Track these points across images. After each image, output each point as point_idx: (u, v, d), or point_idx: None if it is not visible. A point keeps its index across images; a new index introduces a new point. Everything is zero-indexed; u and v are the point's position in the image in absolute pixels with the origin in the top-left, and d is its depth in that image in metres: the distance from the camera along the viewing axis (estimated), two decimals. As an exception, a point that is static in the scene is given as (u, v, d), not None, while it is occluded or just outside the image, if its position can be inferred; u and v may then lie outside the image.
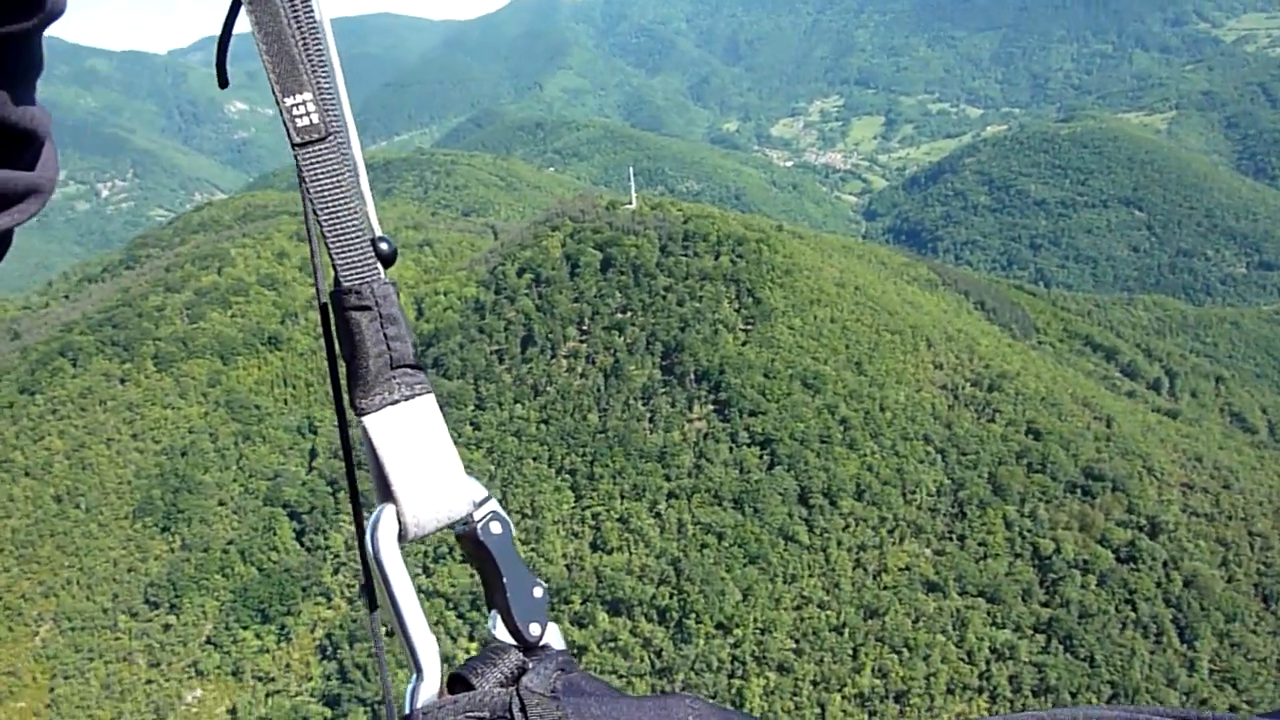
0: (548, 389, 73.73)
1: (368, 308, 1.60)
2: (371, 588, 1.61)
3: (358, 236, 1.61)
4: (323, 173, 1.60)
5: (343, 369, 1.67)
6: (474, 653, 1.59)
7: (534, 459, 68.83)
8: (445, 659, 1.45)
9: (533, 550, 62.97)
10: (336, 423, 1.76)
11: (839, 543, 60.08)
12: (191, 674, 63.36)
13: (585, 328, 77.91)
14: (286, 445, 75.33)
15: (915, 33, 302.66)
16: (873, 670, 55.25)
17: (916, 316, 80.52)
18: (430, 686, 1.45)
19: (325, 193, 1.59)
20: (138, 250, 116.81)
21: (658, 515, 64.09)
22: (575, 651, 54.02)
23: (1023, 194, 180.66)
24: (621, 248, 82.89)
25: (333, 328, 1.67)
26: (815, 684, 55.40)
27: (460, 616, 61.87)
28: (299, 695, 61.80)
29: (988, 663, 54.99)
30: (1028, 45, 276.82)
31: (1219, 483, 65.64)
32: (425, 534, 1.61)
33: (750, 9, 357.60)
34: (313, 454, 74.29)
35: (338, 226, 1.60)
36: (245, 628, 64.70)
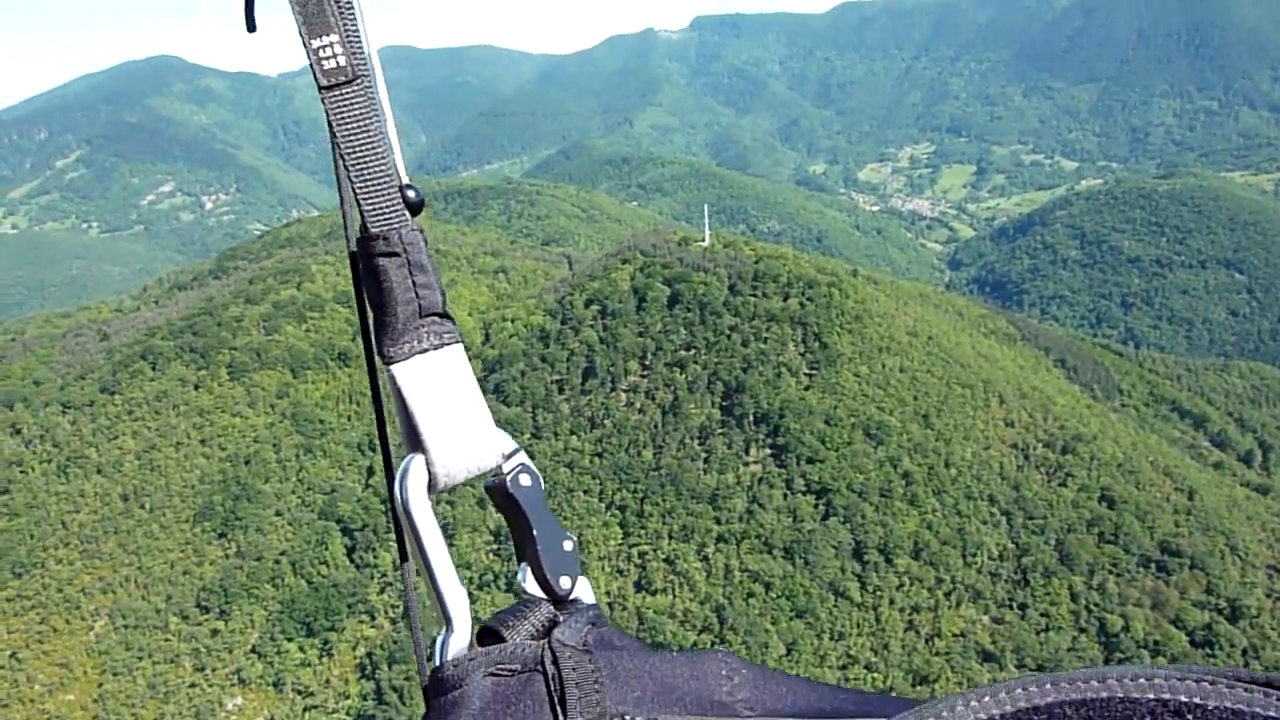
0: (604, 422, 73.16)
1: (395, 254, 1.57)
2: (402, 539, 1.60)
3: (386, 182, 1.58)
4: (350, 116, 1.56)
5: (371, 318, 1.66)
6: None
7: (585, 492, 68.15)
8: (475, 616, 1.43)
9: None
10: (366, 371, 1.73)
11: (892, 602, 57.75)
12: (234, 681, 63.95)
13: (647, 362, 77.27)
14: (346, 461, 76.18)
15: (1011, 82, 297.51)
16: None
17: (990, 371, 77.83)
18: (460, 639, 1.43)
19: (352, 137, 1.56)
20: (227, 261, 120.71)
21: (705, 559, 62.63)
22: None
23: (1115, 250, 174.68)
24: (690, 284, 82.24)
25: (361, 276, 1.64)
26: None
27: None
28: (335, 712, 61.83)
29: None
30: (1128, 99, 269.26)
31: (1310, 568, 61.40)
32: (455, 484, 1.60)
33: (844, 53, 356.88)
34: (370, 471, 74.90)
35: (365, 171, 1.57)
36: (290, 639, 65.14)
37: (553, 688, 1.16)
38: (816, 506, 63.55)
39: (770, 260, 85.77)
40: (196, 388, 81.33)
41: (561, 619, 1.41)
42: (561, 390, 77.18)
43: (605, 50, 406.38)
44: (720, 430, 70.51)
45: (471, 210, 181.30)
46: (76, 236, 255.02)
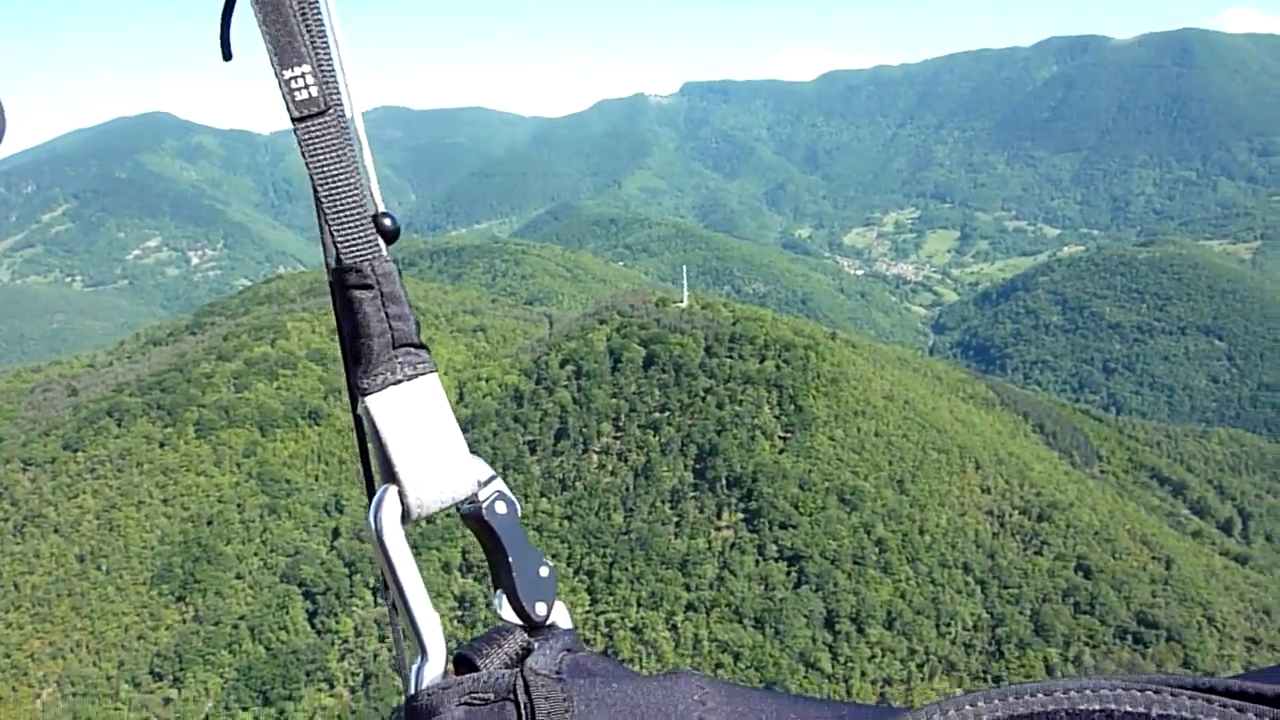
0: (575, 484, 72.00)
1: (369, 286, 1.56)
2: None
3: (359, 213, 1.57)
4: (322, 147, 1.54)
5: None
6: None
7: (553, 556, 66.59)
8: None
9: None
10: (349, 400, 1.71)
11: (863, 674, 56.19)
12: (185, 753, 61.60)
13: (621, 424, 76.40)
14: (311, 522, 74.60)
15: (995, 150, 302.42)
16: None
17: (967, 436, 77.17)
18: (435, 667, 1.41)
19: (325, 167, 1.54)
20: (204, 317, 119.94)
21: (674, 628, 61.01)
22: None
23: (1097, 316, 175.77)
24: (666, 345, 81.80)
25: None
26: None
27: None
28: (289, 786, 59.50)
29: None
30: (1109, 168, 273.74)
31: (1290, 641, 60.18)
32: (429, 514, 1.59)
33: (830, 120, 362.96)
34: (335, 533, 73.36)
35: (338, 202, 1.55)
36: (245, 709, 62.91)
37: (523, 716, 1.16)
38: (789, 574, 62.23)
39: (747, 322, 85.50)
40: (162, 445, 79.96)
41: (535, 646, 1.39)
42: (534, 451, 76.12)
43: (596, 114, 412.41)
44: (692, 494, 69.41)
45: (456, 269, 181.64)
46: (60, 290, 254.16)
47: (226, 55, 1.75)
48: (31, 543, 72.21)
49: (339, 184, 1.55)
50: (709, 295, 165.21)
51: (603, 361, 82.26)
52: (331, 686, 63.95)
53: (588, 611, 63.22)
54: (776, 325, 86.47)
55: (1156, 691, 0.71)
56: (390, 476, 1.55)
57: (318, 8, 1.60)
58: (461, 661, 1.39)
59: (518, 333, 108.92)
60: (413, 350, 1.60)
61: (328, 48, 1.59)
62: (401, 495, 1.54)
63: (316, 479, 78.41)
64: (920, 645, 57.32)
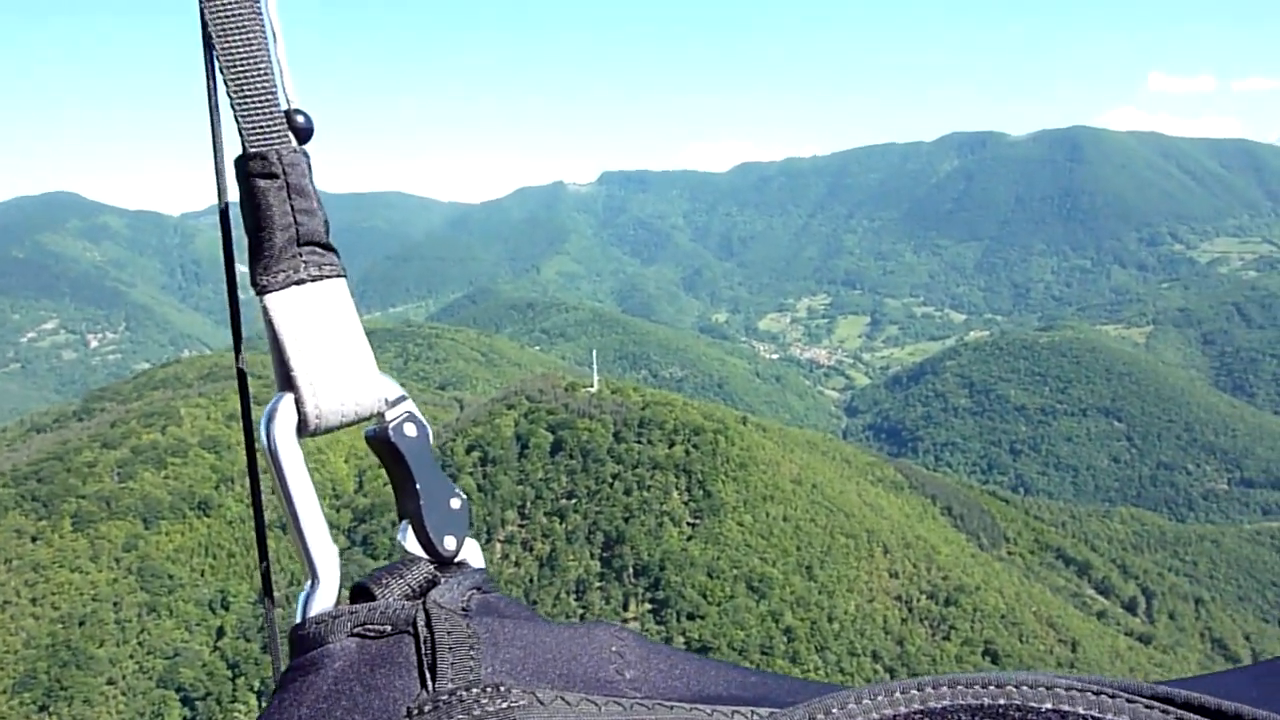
0: (477, 576, 69.26)
1: (274, 175, 1.40)
2: (258, 489, 1.50)
3: (268, 99, 1.41)
4: (231, 27, 1.40)
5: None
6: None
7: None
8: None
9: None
10: (228, 302, 1.59)
11: (772, 770, 54.28)
12: None
13: (526, 512, 74.31)
14: (194, 621, 70.03)
15: (902, 239, 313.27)
16: None
17: (875, 520, 77.09)
18: (326, 595, 1.27)
19: (233, 50, 1.39)
20: (93, 403, 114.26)
21: (577, 725, 58.28)
22: None
23: (1003, 399, 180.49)
24: (574, 430, 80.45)
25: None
26: None
27: None
28: None
29: None
30: (1009, 256, 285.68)
31: (1193, 722, 60.39)
32: (328, 428, 1.41)
33: (744, 209, 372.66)
34: (220, 633, 68.91)
35: (245, 87, 1.40)
36: (110, 831, 57.63)
37: (423, 651, 1.04)
38: (696, 666, 60.28)
39: (656, 407, 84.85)
40: (34, 540, 74.67)
41: (442, 580, 1.27)
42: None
43: (515, 200, 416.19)
44: (599, 584, 67.37)
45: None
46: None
47: None
48: (-123, 651, 66.01)
49: (246, 67, 1.40)
50: (626, 379, 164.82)
51: (509, 447, 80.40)
52: (207, 802, 59.17)
53: (487, 712, 60.13)
54: (686, 410, 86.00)
55: (1112, 696, 0.67)
56: (287, 384, 1.38)
57: None
58: (359, 592, 1.25)
59: (426, 417, 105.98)
60: (319, 250, 1.45)
61: None
62: (299, 404, 1.37)
63: (202, 574, 73.98)
64: (830, 738, 55.73)
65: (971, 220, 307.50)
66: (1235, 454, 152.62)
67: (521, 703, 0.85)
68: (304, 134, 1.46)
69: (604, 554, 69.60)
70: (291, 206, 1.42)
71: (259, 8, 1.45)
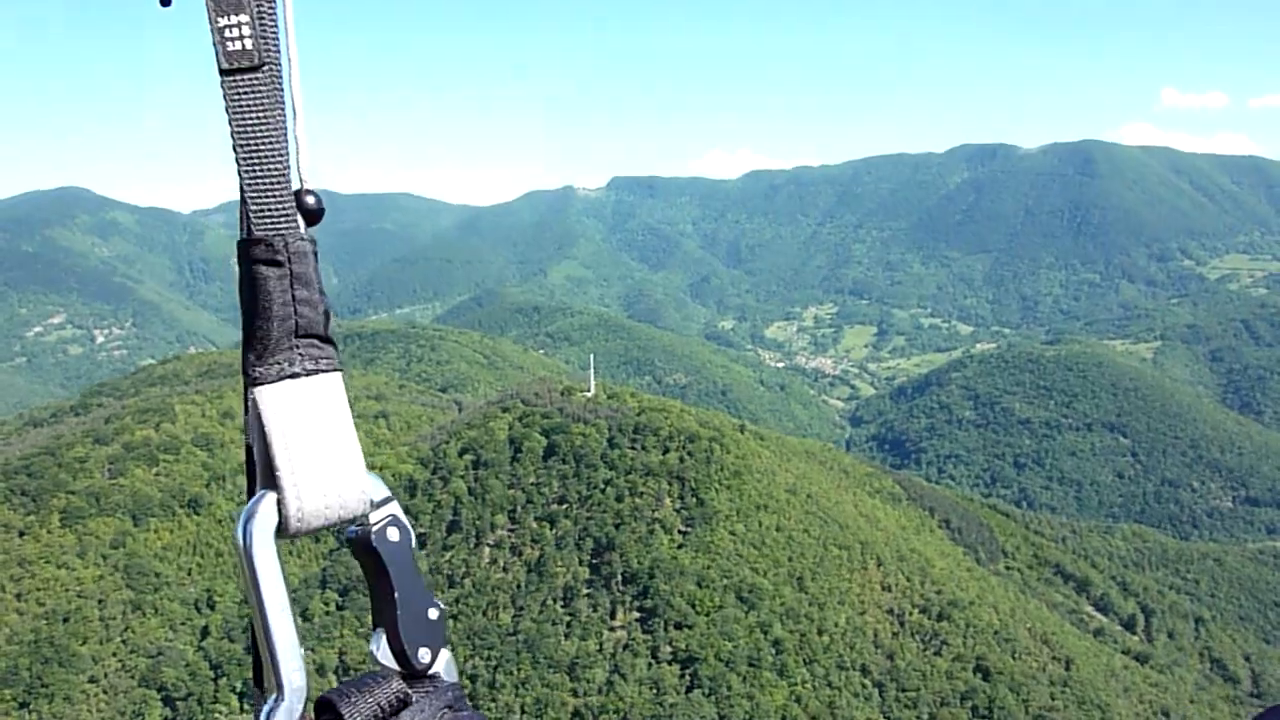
0: (464, 581, 68.55)
1: (278, 263, 1.43)
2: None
3: (279, 182, 1.44)
4: (248, 105, 1.43)
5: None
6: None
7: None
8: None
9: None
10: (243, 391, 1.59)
11: (755, 785, 53.34)
12: None
13: (516, 516, 73.58)
14: (179, 619, 69.46)
15: (910, 250, 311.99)
16: None
17: (870, 531, 76.13)
18: (290, 711, 1.28)
19: (248, 129, 1.42)
20: (91, 398, 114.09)
21: (559, 735, 57.46)
22: None
23: (1008, 411, 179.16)
24: (568, 435, 79.74)
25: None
26: None
27: None
28: None
29: None
30: (1018, 269, 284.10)
31: (1188, 745, 59.27)
32: (309, 530, 1.43)
33: (753, 217, 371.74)
34: (204, 632, 68.33)
35: (256, 168, 1.42)
36: (86, 830, 57.00)
37: None
38: (682, 676, 59.45)
39: (652, 413, 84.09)
40: (22, 535, 74.21)
41: (415, 699, 1.28)
42: (423, 545, 72.56)
43: (524, 204, 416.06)
44: (586, 591, 66.56)
45: (370, 353, 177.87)
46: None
47: (165, 1, 1.65)
48: None
49: (261, 148, 1.42)
50: (629, 385, 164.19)
51: (503, 451, 79.73)
52: (185, 804, 58.50)
53: (468, 718, 59.30)
54: (682, 416, 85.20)
55: None
56: (270, 482, 1.39)
57: None
58: (324, 707, 1.25)
59: (423, 419, 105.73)
60: (316, 343, 1.46)
61: (272, 3, 1.48)
62: (281, 504, 1.38)
63: (190, 573, 73.46)
64: (815, 753, 54.83)
65: (981, 232, 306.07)
66: (1241, 472, 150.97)
67: None
68: (313, 215, 1.47)
69: (593, 560, 68.81)
70: (293, 296, 1.42)
71: (280, 84, 1.45)
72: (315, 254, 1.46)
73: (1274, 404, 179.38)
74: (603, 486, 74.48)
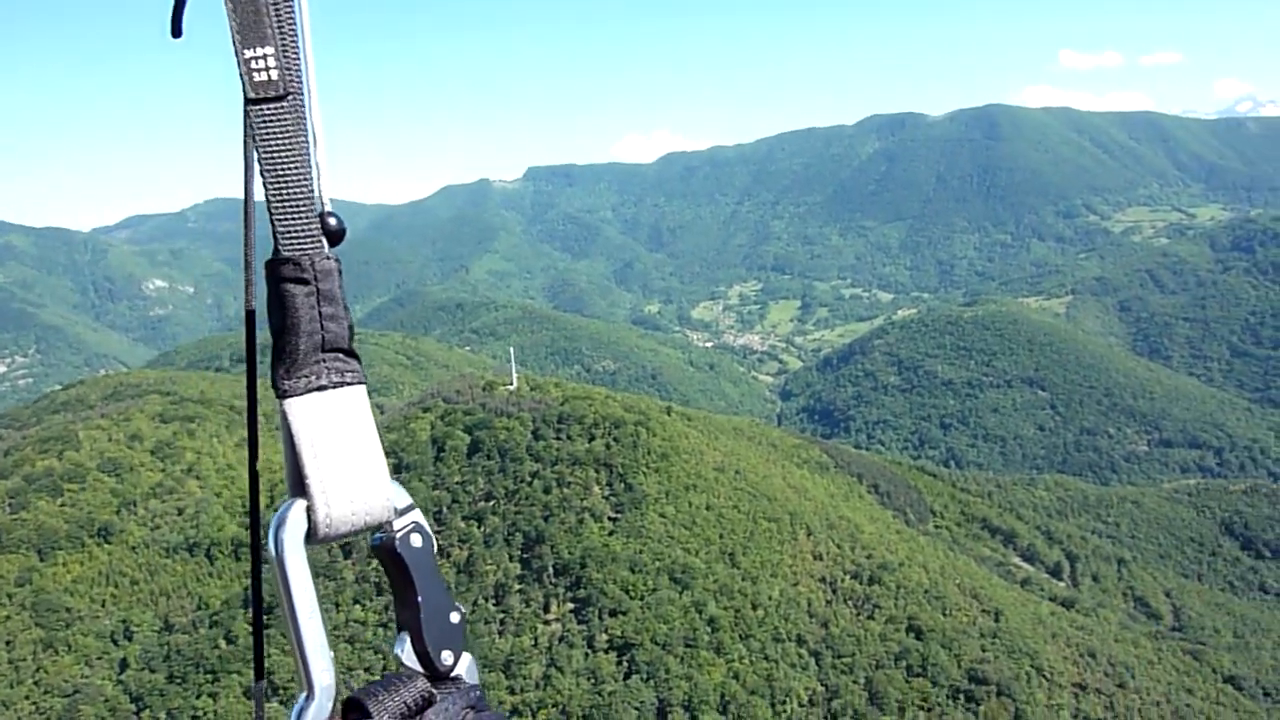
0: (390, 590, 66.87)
1: (306, 281, 1.50)
2: (258, 591, 1.55)
3: (305, 205, 1.52)
4: (275, 133, 1.51)
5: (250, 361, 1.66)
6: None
7: (365, 669, 61.24)
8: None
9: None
10: (246, 405, 1.67)
11: (698, 765, 53.19)
12: None
13: (443, 518, 72.11)
14: (95, 654, 66.56)
15: (828, 223, 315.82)
16: None
17: (799, 502, 76.55)
18: (321, 710, 1.35)
19: (275, 155, 1.51)
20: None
21: (499, 734, 56.50)
22: None
23: (930, 374, 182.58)
24: (492, 430, 78.48)
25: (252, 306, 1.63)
26: None
27: None
28: None
29: None
30: (933, 235, 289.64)
31: (1114, 681, 60.94)
32: (337, 536, 1.51)
33: (672, 199, 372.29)
34: (124, 664, 65.60)
35: (284, 192, 1.50)
36: None
37: None
38: (619, 663, 58.98)
39: (576, 401, 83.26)
40: (-82, 580, 70.38)
41: (438, 698, 1.36)
42: (347, 555, 70.71)
43: (440, 199, 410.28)
44: (519, 587, 65.61)
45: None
46: None
47: (176, 32, 1.69)
48: None
49: (288, 173, 1.50)
50: (559, 375, 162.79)
51: (425, 452, 78.12)
52: (112, 844, 56.15)
53: (404, 727, 58.03)
54: (606, 403, 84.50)
55: None
56: (299, 490, 1.45)
57: None
58: (352, 706, 1.33)
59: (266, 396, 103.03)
60: (343, 357, 1.53)
61: (294, 34, 1.55)
62: (310, 511, 1.44)
63: (103, 604, 70.44)
64: (755, 728, 54.85)
65: (895, 201, 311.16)
66: (1154, 416, 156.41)
67: None
68: (336, 236, 1.57)
69: (523, 555, 67.86)
70: (320, 313, 1.50)
71: (304, 112, 1.53)
72: (340, 272, 1.54)
73: (1180, 349, 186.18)
74: (529, 479, 73.51)
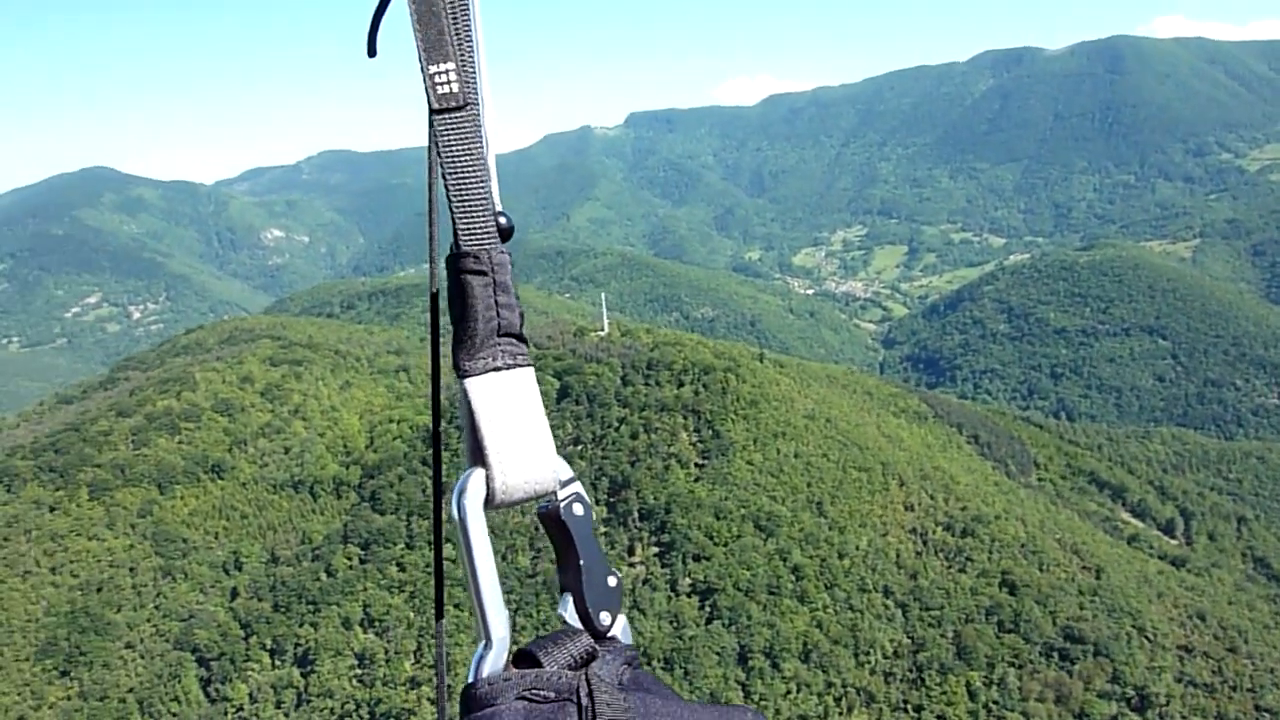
0: (483, 527, 68.51)
1: (483, 272, 1.65)
2: (440, 552, 1.71)
3: (483, 205, 1.67)
4: (456, 140, 1.66)
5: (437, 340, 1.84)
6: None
7: (455, 606, 63.00)
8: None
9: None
10: (430, 384, 1.90)
11: (777, 712, 53.05)
12: (66, 843, 57.06)
13: (532, 460, 73.22)
14: (208, 582, 70.54)
15: (938, 164, 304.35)
16: None
17: (892, 452, 74.80)
18: (498, 659, 1.47)
19: (456, 159, 1.66)
20: (118, 373, 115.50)
21: (582, 673, 57.58)
22: None
23: (1042, 322, 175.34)
24: (581, 376, 79.01)
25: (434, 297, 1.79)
26: None
27: None
28: None
29: None
30: (1049, 176, 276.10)
31: (1224, 645, 57.94)
32: (511, 502, 1.64)
33: (775, 143, 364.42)
34: (234, 593, 69.37)
35: (464, 193, 1.66)
36: (132, 790, 58.61)
37: (584, 719, 1.22)
38: (702, 608, 59.18)
39: (666, 348, 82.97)
40: (52, 510, 75.55)
41: (600, 653, 1.47)
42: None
43: (543, 148, 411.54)
44: (604, 530, 66.25)
45: (394, 309, 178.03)
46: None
47: (372, 52, 1.89)
48: (-95, 623, 67.44)
49: (469, 177, 1.66)
50: (657, 322, 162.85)
51: (516, 396, 79.23)
52: (224, 760, 59.86)
53: (492, 662, 59.71)
54: (697, 349, 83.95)
55: None
56: (479, 460, 1.60)
57: (468, 13, 1.74)
58: (524, 658, 1.45)
59: (443, 372, 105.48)
60: (514, 340, 1.68)
61: (471, 50, 1.73)
62: (488, 479, 1.60)
63: (216, 536, 74.40)
64: (837, 677, 54.37)
65: (1009, 141, 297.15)
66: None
67: None
68: (506, 234, 1.72)
69: (609, 499, 68.44)
70: (496, 301, 1.65)
71: (480, 121, 1.70)
72: (511, 264, 1.69)
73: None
74: (617, 425, 73.85)
